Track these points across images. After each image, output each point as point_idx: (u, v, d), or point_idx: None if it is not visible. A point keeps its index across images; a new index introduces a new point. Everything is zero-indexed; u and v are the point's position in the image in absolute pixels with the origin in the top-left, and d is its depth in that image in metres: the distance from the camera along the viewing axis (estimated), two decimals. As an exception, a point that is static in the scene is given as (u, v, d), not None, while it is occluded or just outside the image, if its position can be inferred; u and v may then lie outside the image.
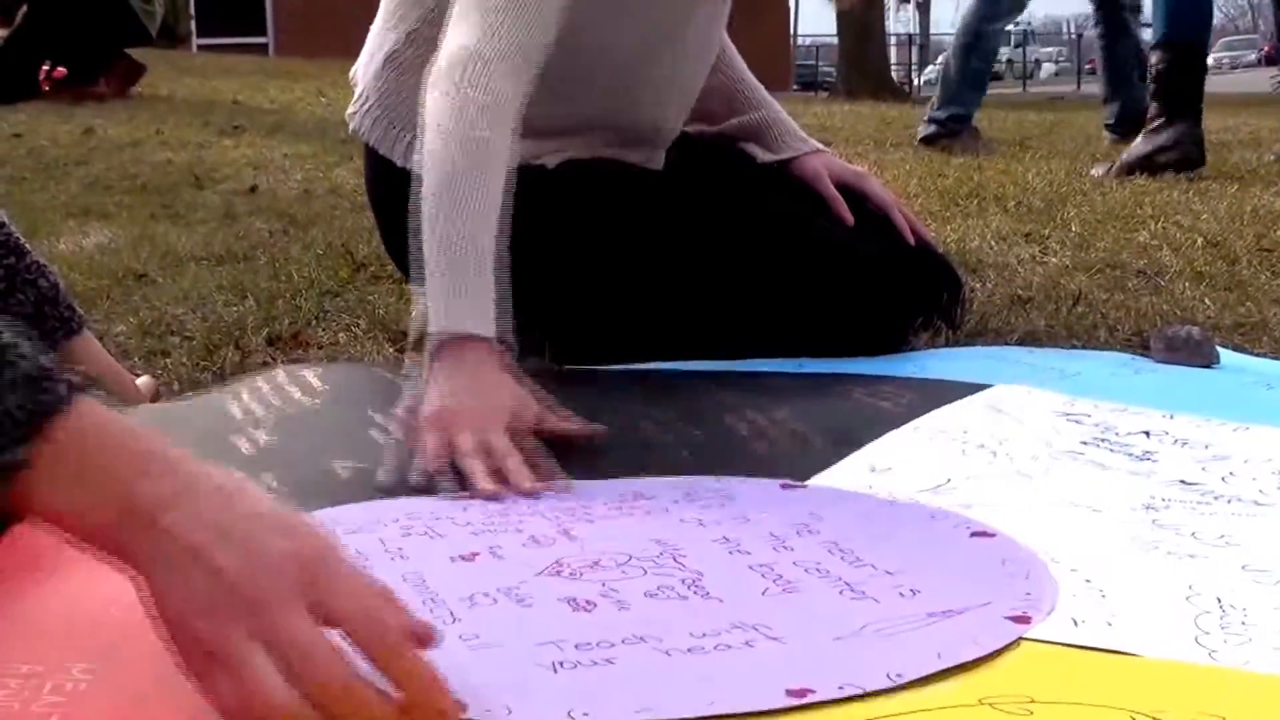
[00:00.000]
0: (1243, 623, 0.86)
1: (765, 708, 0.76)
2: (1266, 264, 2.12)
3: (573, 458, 1.20)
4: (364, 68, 1.65)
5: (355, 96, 1.65)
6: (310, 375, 1.45)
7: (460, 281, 1.30)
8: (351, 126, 1.65)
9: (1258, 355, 1.60)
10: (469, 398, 1.24)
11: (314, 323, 1.77)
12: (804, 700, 0.77)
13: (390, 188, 1.63)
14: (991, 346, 1.60)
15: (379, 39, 1.63)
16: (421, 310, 1.32)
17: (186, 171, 3.43)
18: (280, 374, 1.45)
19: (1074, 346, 1.63)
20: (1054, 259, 2.16)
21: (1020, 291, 1.92)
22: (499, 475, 1.16)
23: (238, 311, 1.83)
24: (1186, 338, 1.55)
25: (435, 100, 1.36)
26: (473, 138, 1.33)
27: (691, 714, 0.76)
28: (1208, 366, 1.53)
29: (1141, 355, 1.58)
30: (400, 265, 1.71)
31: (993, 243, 2.29)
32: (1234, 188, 3.00)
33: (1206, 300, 1.85)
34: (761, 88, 1.80)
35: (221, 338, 1.69)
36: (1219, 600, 0.89)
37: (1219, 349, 1.55)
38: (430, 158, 1.33)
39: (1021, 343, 1.63)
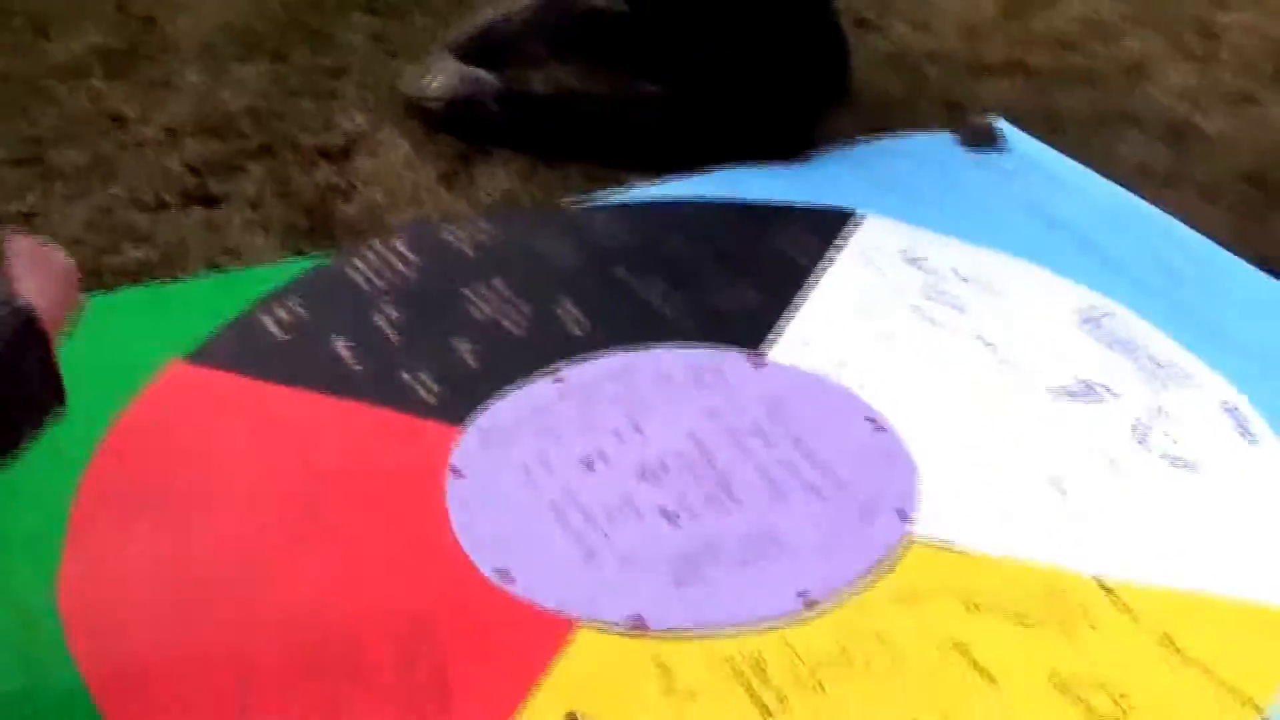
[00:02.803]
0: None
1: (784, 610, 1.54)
2: None
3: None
4: None
5: None
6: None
7: None
8: None
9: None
10: None
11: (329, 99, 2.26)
12: (809, 600, 1.55)
13: None
14: (854, 148, 2.25)
15: None
16: None
17: None
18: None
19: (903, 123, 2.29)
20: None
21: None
22: None
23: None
24: (986, 128, 2.25)
25: None
26: None
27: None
28: (999, 151, 2.24)
29: (949, 133, 2.26)
30: None
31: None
32: None
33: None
34: None
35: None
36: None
37: (1007, 133, 2.26)
38: None
39: (874, 125, 2.27)
